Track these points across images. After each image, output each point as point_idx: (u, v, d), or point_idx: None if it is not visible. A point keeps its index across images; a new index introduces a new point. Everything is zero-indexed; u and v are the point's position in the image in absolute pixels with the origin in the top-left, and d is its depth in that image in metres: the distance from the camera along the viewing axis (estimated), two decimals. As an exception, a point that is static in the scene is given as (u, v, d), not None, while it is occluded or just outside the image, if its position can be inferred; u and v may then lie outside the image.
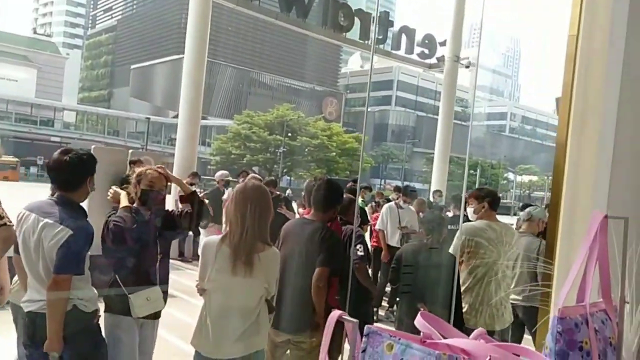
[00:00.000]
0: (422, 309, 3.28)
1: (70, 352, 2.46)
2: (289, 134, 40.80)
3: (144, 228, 2.85)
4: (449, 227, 5.42)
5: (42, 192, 3.17)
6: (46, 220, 2.43)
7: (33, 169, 40.50)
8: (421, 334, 0.94)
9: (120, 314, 2.80)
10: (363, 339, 0.90)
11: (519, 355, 0.99)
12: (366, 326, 0.90)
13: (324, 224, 3.19)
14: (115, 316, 2.80)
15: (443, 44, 14.45)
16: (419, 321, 0.97)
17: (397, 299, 3.74)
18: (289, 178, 43.53)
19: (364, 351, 0.90)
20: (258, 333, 2.56)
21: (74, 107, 59.16)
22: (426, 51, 15.02)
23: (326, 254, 3.02)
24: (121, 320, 2.80)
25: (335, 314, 1.08)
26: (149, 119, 48.64)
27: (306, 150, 41.86)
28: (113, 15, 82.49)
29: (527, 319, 3.89)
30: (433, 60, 14.98)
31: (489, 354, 0.90)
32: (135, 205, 2.90)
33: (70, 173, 2.52)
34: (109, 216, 2.80)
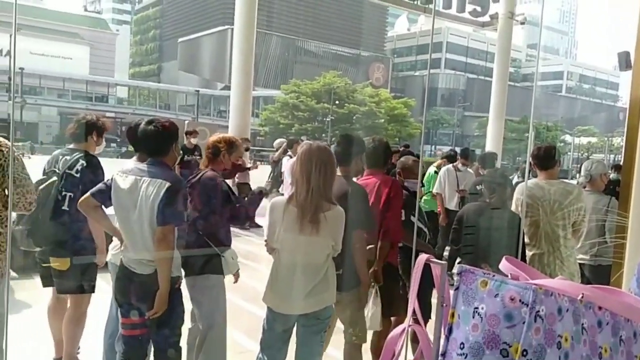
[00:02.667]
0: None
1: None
2: (337, 102, 40.53)
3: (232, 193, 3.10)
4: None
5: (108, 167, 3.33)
6: (144, 177, 2.59)
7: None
8: (509, 276, 0.96)
9: (213, 274, 3.01)
10: (456, 277, 0.93)
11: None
12: (459, 265, 0.93)
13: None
14: (214, 276, 3.00)
15: (496, 0, 13.82)
16: (504, 265, 0.99)
17: (459, 260, 3.71)
18: (337, 146, 43.46)
19: (457, 289, 0.93)
20: (327, 289, 2.64)
21: (126, 83, 60.84)
22: (478, 9, 14.38)
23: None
24: (218, 278, 3.03)
25: (423, 257, 1.12)
26: (198, 91, 49.49)
27: (354, 117, 41.54)
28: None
29: (593, 278, 3.83)
30: (486, 19, 14.36)
31: (582, 292, 0.92)
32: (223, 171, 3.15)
33: (157, 140, 2.67)
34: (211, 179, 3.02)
